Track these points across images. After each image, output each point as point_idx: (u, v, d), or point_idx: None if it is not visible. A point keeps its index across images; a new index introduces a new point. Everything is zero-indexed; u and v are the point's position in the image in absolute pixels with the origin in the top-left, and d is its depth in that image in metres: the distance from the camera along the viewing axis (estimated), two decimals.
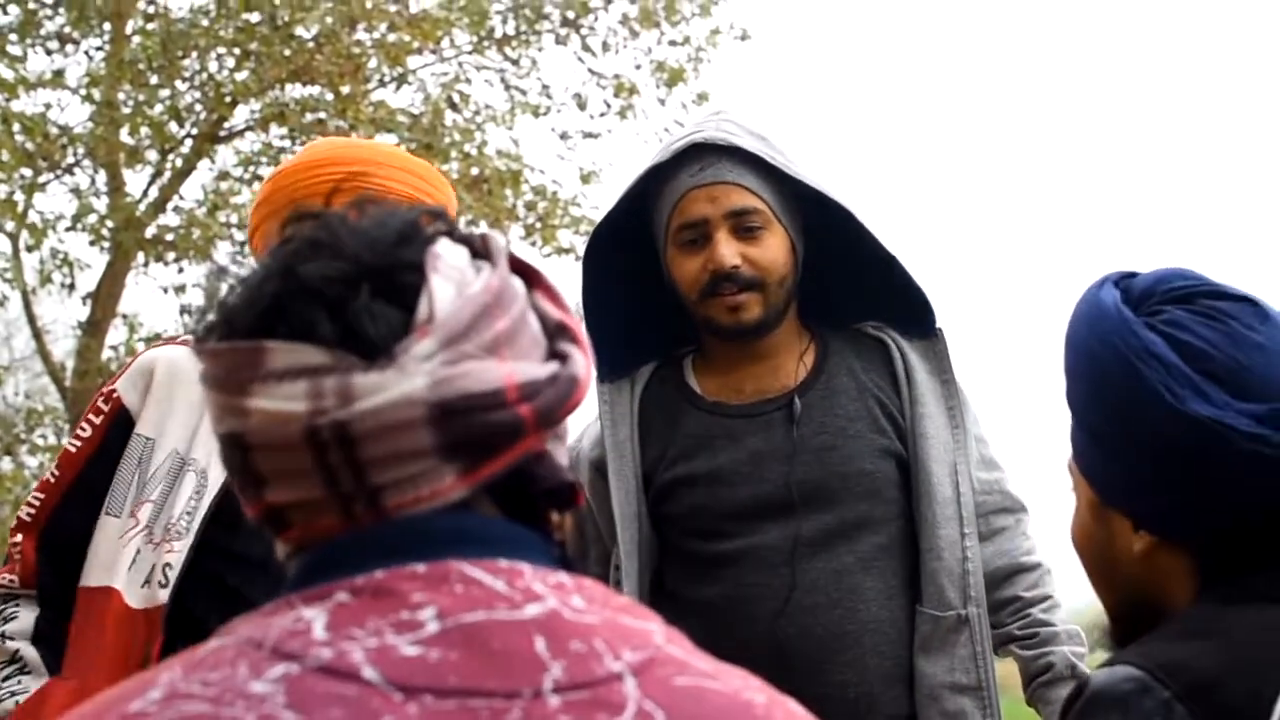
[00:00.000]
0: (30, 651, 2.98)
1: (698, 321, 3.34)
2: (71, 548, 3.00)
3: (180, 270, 13.19)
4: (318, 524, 1.27)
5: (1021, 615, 3.36)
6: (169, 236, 12.80)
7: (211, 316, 1.32)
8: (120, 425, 3.02)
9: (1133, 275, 2.04)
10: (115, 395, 3.04)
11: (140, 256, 12.89)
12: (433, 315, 1.27)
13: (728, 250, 3.22)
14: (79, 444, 3.05)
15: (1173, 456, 1.92)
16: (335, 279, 1.26)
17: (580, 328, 1.36)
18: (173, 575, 2.91)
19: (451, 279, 1.29)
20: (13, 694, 2.95)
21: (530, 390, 1.29)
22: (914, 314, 3.37)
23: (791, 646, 3.16)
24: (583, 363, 1.34)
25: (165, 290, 13.21)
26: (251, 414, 1.26)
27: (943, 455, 3.26)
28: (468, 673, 1.19)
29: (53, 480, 3.05)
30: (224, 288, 1.33)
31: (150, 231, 12.85)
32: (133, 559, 2.94)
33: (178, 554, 2.93)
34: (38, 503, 3.04)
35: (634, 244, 3.38)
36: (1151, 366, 1.93)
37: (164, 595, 2.91)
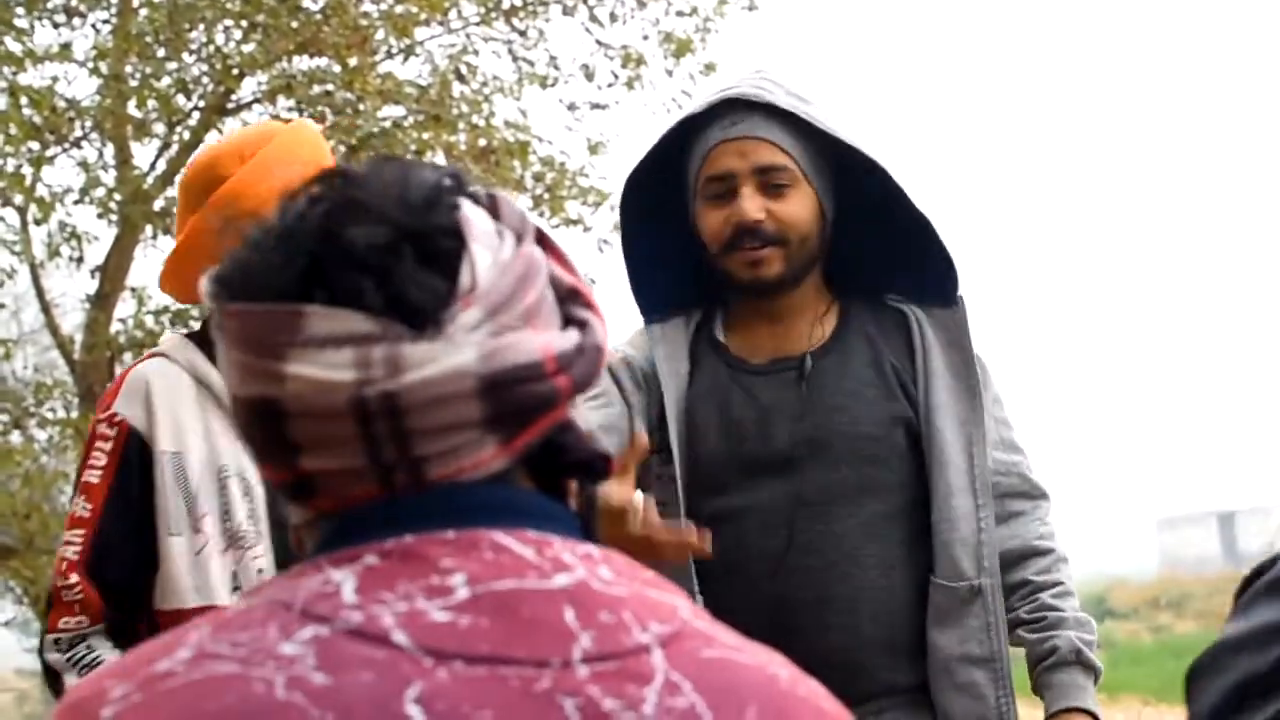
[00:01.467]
0: None
1: (719, 275, 3.34)
2: (125, 574, 2.99)
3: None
4: (352, 492, 1.26)
5: (1031, 599, 3.36)
6: (177, 209, 12.79)
7: (230, 274, 1.30)
8: (134, 445, 3.01)
9: None
10: (119, 418, 3.03)
11: (148, 229, 12.88)
12: (475, 284, 1.26)
13: (752, 204, 3.23)
14: (98, 473, 3.02)
15: None
16: (379, 245, 1.25)
17: (592, 293, 1.35)
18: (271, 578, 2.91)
19: (487, 246, 1.28)
20: None
21: (566, 361, 1.28)
22: (937, 280, 3.37)
23: (784, 608, 3.17)
24: (602, 330, 1.33)
25: None
26: (288, 379, 1.24)
27: (956, 425, 3.26)
28: (498, 640, 1.18)
29: (86, 514, 3.02)
30: (243, 245, 1.31)
31: (158, 204, 12.84)
32: (218, 572, 2.95)
33: (264, 557, 2.96)
34: (79, 539, 3.01)
35: (666, 196, 3.39)
36: None
37: None
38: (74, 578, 3.00)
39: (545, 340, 1.28)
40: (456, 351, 1.24)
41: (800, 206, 3.26)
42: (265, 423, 1.26)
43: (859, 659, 3.17)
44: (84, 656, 2.98)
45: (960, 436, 3.26)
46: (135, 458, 3.00)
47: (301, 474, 1.27)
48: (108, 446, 3.02)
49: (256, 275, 1.27)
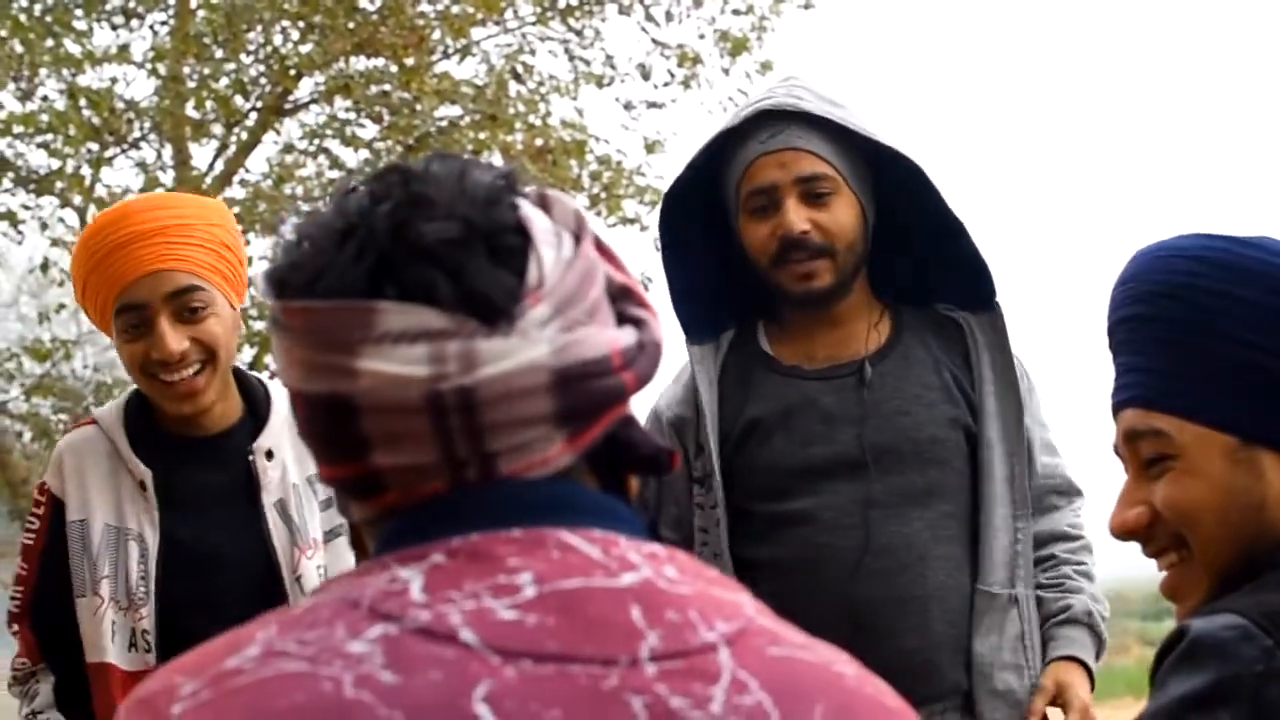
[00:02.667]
0: (53, 716, 3.24)
1: (770, 287, 3.34)
2: (58, 626, 3.23)
3: (246, 243, 13.22)
4: (421, 488, 1.26)
5: (1054, 570, 3.40)
6: (235, 210, 12.82)
7: (290, 270, 1.29)
8: (57, 513, 3.23)
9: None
10: (46, 487, 3.26)
11: None
12: (543, 280, 1.26)
13: (796, 216, 3.23)
14: (32, 537, 3.28)
15: None
16: (451, 240, 1.25)
17: (644, 292, 1.35)
18: (152, 639, 3.15)
19: (549, 243, 1.28)
20: None
21: (630, 356, 1.28)
22: (974, 285, 3.37)
23: (860, 609, 3.18)
24: (659, 328, 1.33)
25: None
26: (361, 375, 1.23)
27: (1000, 434, 3.29)
28: (565, 639, 1.18)
29: (24, 573, 3.29)
30: (295, 242, 1.30)
31: None
32: (112, 631, 3.16)
33: (147, 618, 3.15)
34: (19, 595, 3.30)
35: (709, 208, 3.39)
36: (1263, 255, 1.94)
37: (151, 659, 3.13)
38: (15, 627, 3.30)
39: (610, 336, 1.28)
40: (530, 346, 1.24)
41: (844, 214, 3.27)
42: (334, 419, 1.26)
43: (932, 660, 3.18)
44: (30, 688, 3.29)
45: (1003, 446, 3.28)
46: (58, 524, 3.23)
47: (370, 470, 1.26)
48: (40, 512, 3.27)
49: (322, 272, 1.27)
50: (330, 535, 3.28)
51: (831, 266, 3.27)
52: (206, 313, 3.15)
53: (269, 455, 3.24)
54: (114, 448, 3.22)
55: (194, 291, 3.13)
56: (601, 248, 1.34)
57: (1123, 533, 2.05)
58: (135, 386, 3.29)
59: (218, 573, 3.17)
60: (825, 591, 3.19)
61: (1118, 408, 2.04)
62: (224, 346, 3.18)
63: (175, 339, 3.11)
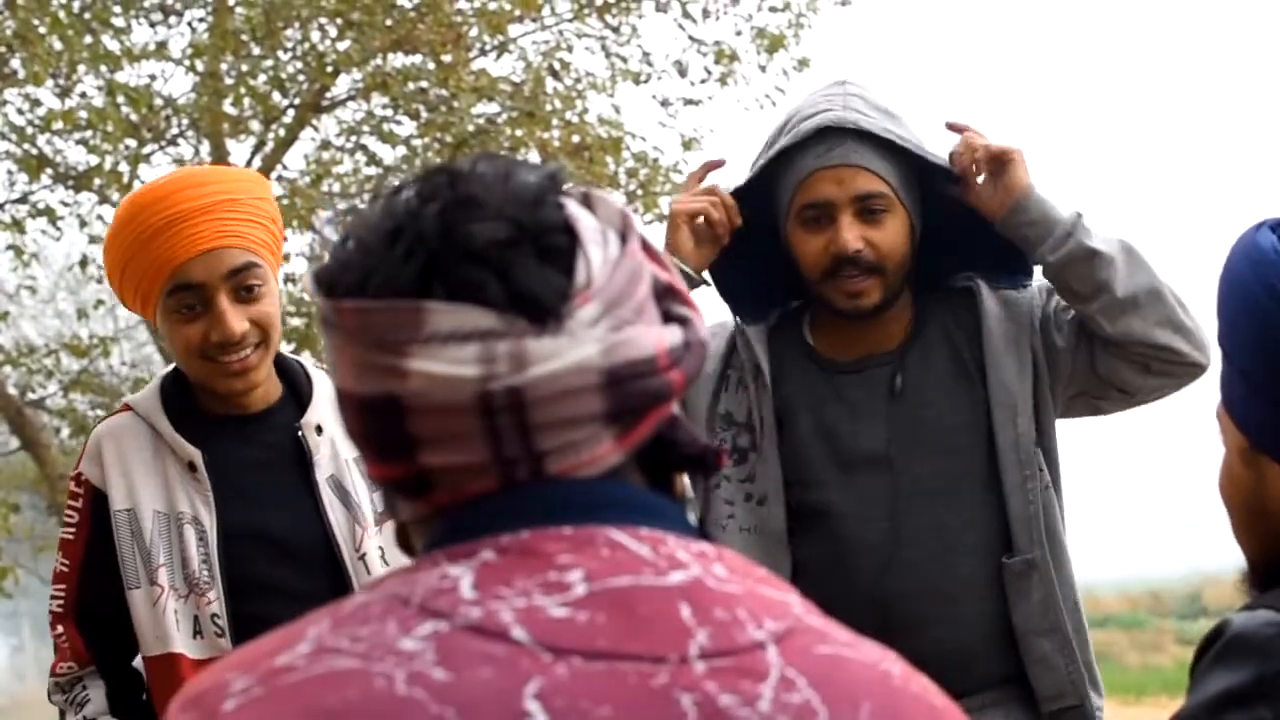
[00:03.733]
0: None
1: (815, 296, 3.37)
2: (107, 623, 3.15)
3: (284, 239, 13.26)
4: (470, 488, 1.26)
5: None
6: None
7: (340, 271, 1.30)
8: (98, 503, 3.13)
9: None
10: (84, 478, 3.16)
11: None
12: (591, 280, 1.26)
13: (851, 235, 3.24)
14: (72, 531, 3.18)
15: None
16: (500, 240, 1.25)
17: (687, 290, 1.35)
18: (223, 623, 3.06)
19: (597, 243, 1.28)
20: None
21: (677, 355, 1.29)
22: (1010, 268, 3.38)
23: (892, 602, 3.21)
24: (703, 325, 1.33)
25: None
26: (411, 376, 1.24)
27: (1007, 398, 3.28)
28: (615, 636, 1.18)
29: (65, 570, 3.19)
30: (343, 242, 1.31)
31: None
32: (175, 620, 3.07)
33: (215, 602, 3.07)
34: (61, 593, 3.19)
35: (749, 200, 3.41)
36: None
37: (226, 644, 3.05)
38: (59, 628, 3.18)
39: (657, 335, 1.28)
40: (580, 346, 1.24)
41: (896, 233, 3.28)
42: (384, 419, 1.27)
43: (967, 648, 3.20)
44: (79, 695, 3.16)
45: (1008, 409, 3.28)
46: (100, 514, 3.13)
47: (419, 470, 1.27)
48: (78, 504, 3.16)
49: (372, 273, 1.27)
50: (383, 516, 3.18)
51: (881, 284, 3.28)
52: (263, 290, 3.09)
53: (318, 430, 3.18)
54: (154, 432, 3.14)
55: (251, 269, 3.07)
56: (646, 246, 1.34)
57: None
58: (165, 371, 3.25)
59: (277, 552, 3.11)
60: (854, 585, 3.21)
61: None
62: (276, 326, 3.13)
63: (237, 319, 3.04)
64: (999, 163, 3.26)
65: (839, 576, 3.21)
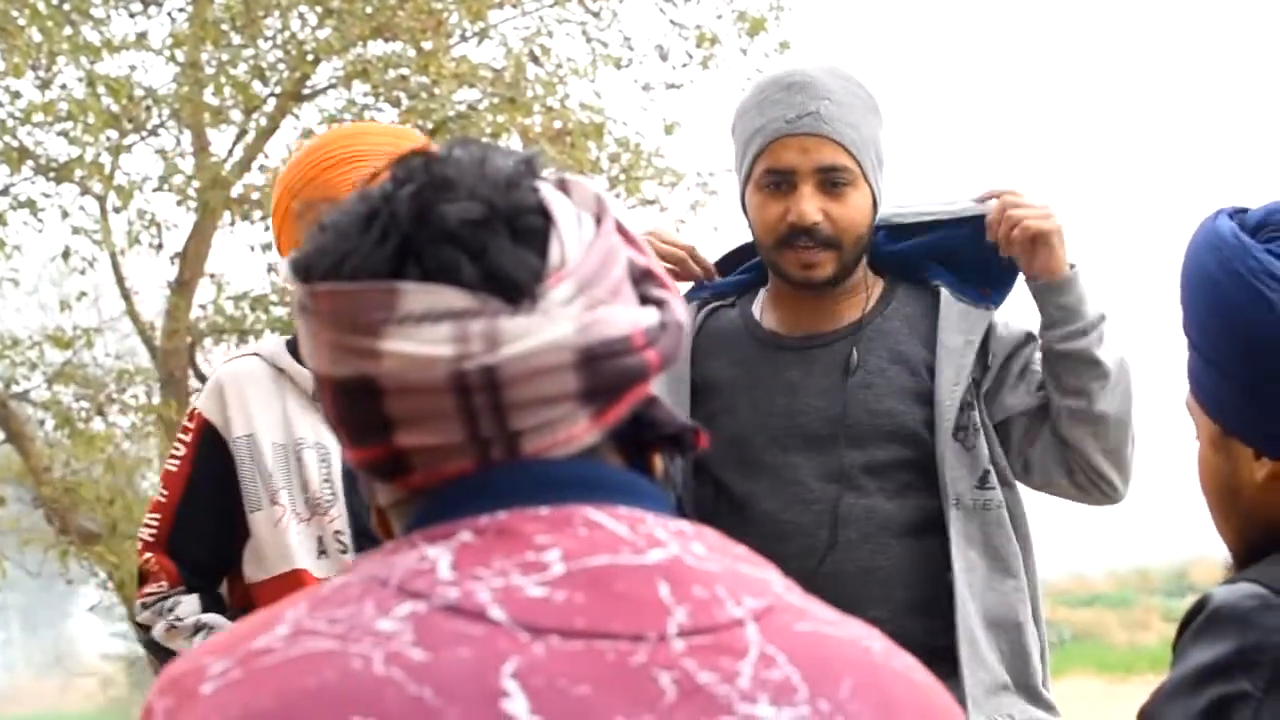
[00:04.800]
0: (212, 617, 3.20)
1: (767, 264, 3.34)
2: (203, 552, 3.25)
3: (267, 228, 13.21)
4: (447, 468, 1.26)
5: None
6: (255, 195, 12.84)
7: (315, 255, 1.30)
8: (209, 438, 3.25)
9: (1244, 210, 2.04)
10: (198, 413, 3.27)
11: (227, 215, 12.93)
12: (565, 260, 1.26)
13: (810, 206, 3.21)
14: (177, 462, 3.28)
15: None
16: (473, 221, 1.25)
17: (665, 273, 1.36)
18: (347, 540, 3.12)
19: (571, 224, 1.28)
20: None
21: (653, 335, 1.29)
22: (981, 281, 3.33)
23: (826, 583, 3.13)
24: (681, 309, 1.34)
25: (252, 248, 13.27)
26: (385, 356, 1.24)
27: (948, 401, 3.24)
28: (593, 615, 1.19)
29: (163, 499, 3.28)
30: (320, 229, 1.31)
31: (236, 190, 12.89)
32: (299, 539, 3.16)
33: (338, 519, 3.16)
34: (155, 522, 3.28)
35: None
36: (1272, 287, 1.94)
37: (349, 559, 3.09)
38: (149, 555, 3.27)
39: (633, 315, 1.29)
40: (553, 325, 1.24)
41: (856, 207, 3.24)
42: (359, 401, 1.27)
43: (902, 629, 3.11)
44: (170, 606, 3.23)
45: (947, 390, 3.25)
46: (209, 446, 3.23)
47: (395, 451, 1.27)
48: (187, 438, 3.27)
49: (346, 256, 1.27)
50: None
51: (836, 258, 3.25)
52: None
53: None
54: (277, 370, 3.23)
55: None
56: (622, 230, 1.35)
57: None
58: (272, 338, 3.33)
59: None
60: (790, 567, 3.18)
61: None
62: None
63: None
64: (1036, 243, 3.20)
65: (776, 559, 3.21)
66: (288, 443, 3.21)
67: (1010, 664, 3.25)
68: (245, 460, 3.20)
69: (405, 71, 12.70)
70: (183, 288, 13.12)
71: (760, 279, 3.44)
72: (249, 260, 13.06)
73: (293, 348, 3.26)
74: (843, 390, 3.26)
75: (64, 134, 12.36)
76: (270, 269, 12.91)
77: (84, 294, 13.69)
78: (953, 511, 3.21)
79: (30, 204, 12.51)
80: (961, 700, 3.14)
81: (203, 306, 13.17)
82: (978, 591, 3.21)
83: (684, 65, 13.90)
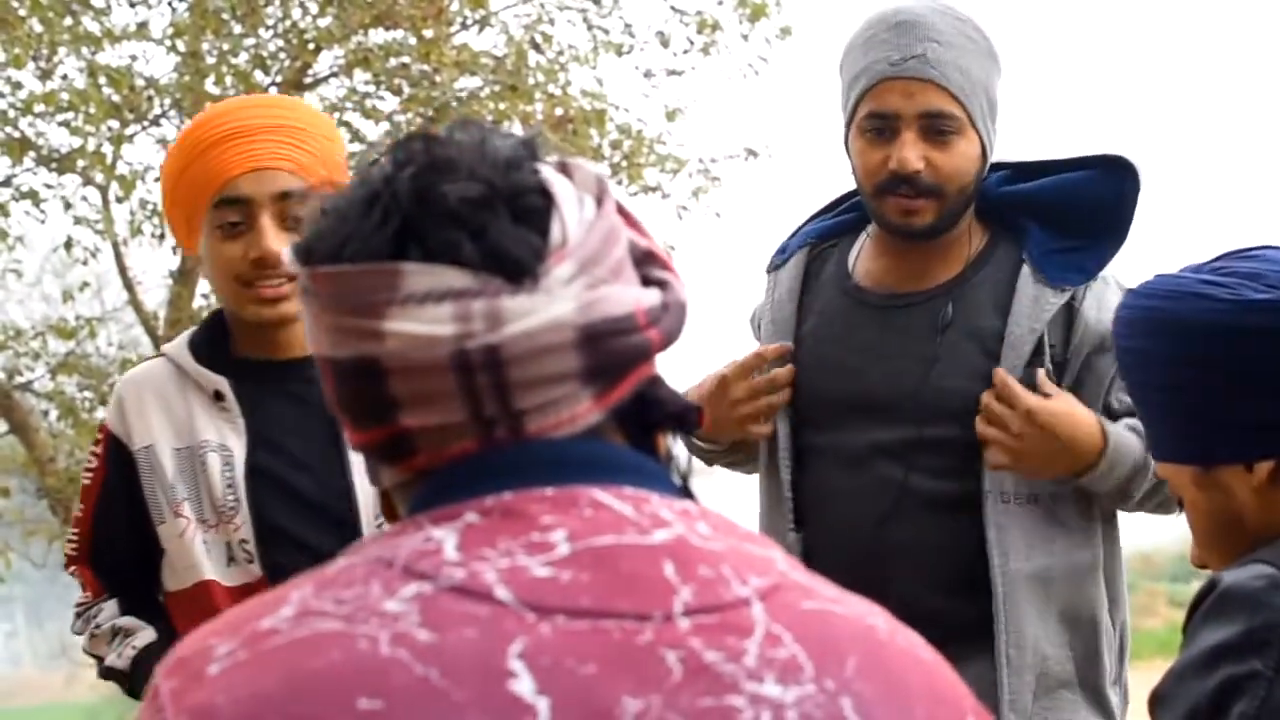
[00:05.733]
0: (127, 620, 3.11)
1: (868, 209, 3.26)
2: (121, 564, 3.15)
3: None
4: (451, 449, 1.27)
5: None
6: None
7: (317, 239, 1.31)
8: (114, 451, 3.11)
9: None
10: (104, 426, 3.14)
11: None
12: (566, 239, 1.27)
13: (913, 153, 3.11)
14: (89, 477, 3.17)
15: (1262, 353, 1.95)
16: (474, 200, 1.25)
17: (668, 255, 1.36)
18: (252, 548, 3.01)
19: (572, 204, 1.29)
20: (134, 646, 3.07)
21: (655, 315, 1.29)
22: (1064, 263, 3.21)
23: (873, 555, 3.13)
24: (683, 289, 1.34)
25: None
26: (388, 337, 1.25)
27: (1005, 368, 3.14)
28: (599, 594, 1.19)
29: (79, 514, 3.20)
30: (322, 213, 1.32)
31: None
32: (205, 549, 3.03)
33: (243, 527, 3.01)
34: (75, 537, 3.21)
35: None
36: (1209, 283, 2.03)
37: (256, 569, 3.00)
38: (73, 569, 3.21)
39: (635, 294, 1.29)
40: (555, 303, 1.24)
41: (962, 155, 3.14)
42: (363, 382, 1.27)
43: (934, 607, 3.05)
44: (93, 614, 3.16)
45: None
46: (115, 459, 3.11)
47: (399, 432, 1.28)
48: (99, 450, 3.15)
49: (347, 238, 1.27)
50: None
51: (937, 207, 3.14)
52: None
53: None
54: (180, 371, 3.10)
55: (301, 198, 2.96)
56: (624, 212, 1.36)
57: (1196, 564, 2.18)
58: (200, 322, 3.21)
59: (299, 505, 3.02)
60: (849, 534, 3.15)
61: None
62: None
63: (277, 240, 2.96)
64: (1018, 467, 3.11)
65: (817, 525, 3.21)
66: (191, 445, 3.06)
67: (1079, 662, 3.19)
68: (146, 473, 3.07)
69: (406, 59, 12.69)
70: (185, 277, 13.11)
71: (865, 218, 3.34)
72: None
73: (195, 348, 3.12)
74: (913, 361, 3.18)
75: (65, 124, 12.35)
76: None
77: (87, 284, 13.68)
78: (989, 501, 3.13)
79: (32, 195, 12.51)
80: (995, 688, 3.10)
81: (205, 296, 13.15)
82: (1032, 578, 3.13)
83: (685, 51, 13.88)
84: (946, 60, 3.11)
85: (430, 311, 1.24)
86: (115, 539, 3.13)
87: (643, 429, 1.33)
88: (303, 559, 2.92)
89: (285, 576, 2.99)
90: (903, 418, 3.16)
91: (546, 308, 1.24)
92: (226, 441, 3.05)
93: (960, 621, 3.09)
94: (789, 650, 1.21)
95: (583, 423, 1.27)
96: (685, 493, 1.33)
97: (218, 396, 3.06)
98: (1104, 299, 3.17)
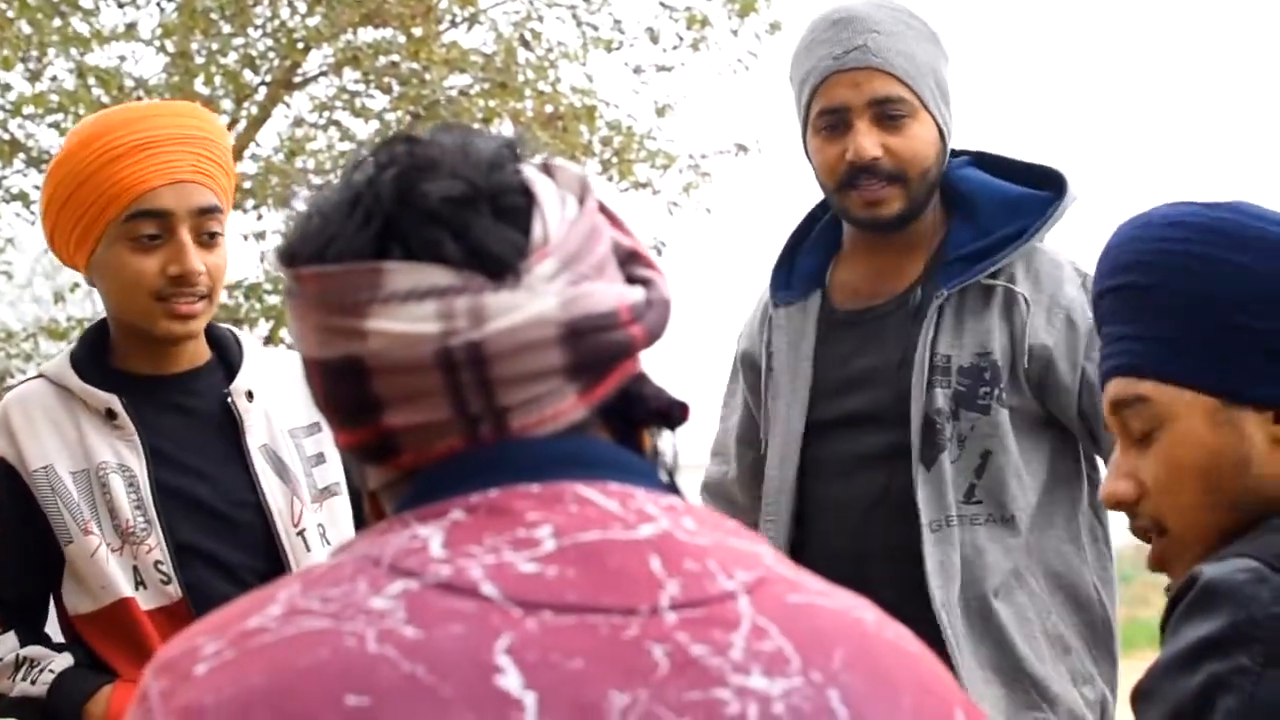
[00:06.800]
0: (33, 649, 2.96)
1: (834, 210, 3.24)
2: (16, 592, 3.00)
3: (259, 217, 13.23)
4: (436, 447, 1.27)
5: None
6: (247, 184, 12.83)
7: (300, 241, 1.31)
8: (3, 475, 2.95)
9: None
10: None
11: None
12: (548, 237, 1.27)
13: (868, 141, 3.10)
14: None
15: None
16: (456, 199, 1.26)
17: (650, 254, 1.37)
18: (169, 569, 2.90)
19: (554, 203, 1.29)
20: (51, 671, 2.93)
21: (638, 311, 1.30)
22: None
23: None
24: (667, 287, 1.34)
25: (245, 238, 13.27)
26: (371, 336, 1.25)
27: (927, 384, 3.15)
28: (585, 590, 1.19)
29: None
30: (306, 216, 1.32)
31: None
32: (119, 569, 2.91)
33: (156, 549, 2.91)
34: None
35: None
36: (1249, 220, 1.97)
37: (174, 590, 2.90)
38: None
39: (618, 291, 1.30)
40: (537, 300, 1.25)
41: (919, 138, 3.14)
42: (347, 382, 1.28)
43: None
44: None
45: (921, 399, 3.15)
46: (4, 484, 2.95)
47: (384, 432, 1.28)
48: None
49: (331, 240, 1.28)
50: (324, 493, 3.04)
51: (902, 194, 3.13)
52: (220, 240, 2.94)
53: (249, 396, 3.00)
54: (65, 391, 2.96)
55: (216, 214, 2.93)
56: (606, 211, 1.36)
57: (1112, 503, 2.05)
58: (76, 339, 3.08)
59: (208, 520, 2.94)
60: (828, 543, 3.16)
61: (1105, 377, 2.05)
62: (222, 283, 2.98)
63: (197, 256, 2.88)
64: None
65: (812, 536, 3.21)
66: (89, 469, 2.93)
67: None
68: (48, 493, 2.92)
69: (396, 58, 12.69)
70: None
71: (833, 245, 3.33)
72: (242, 249, 13.04)
73: (78, 366, 2.99)
74: (884, 367, 3.18)
75: (55, 126, 12.34)
76: (263, 258, 12.89)
77: (77, 286, 13.63)
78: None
79: (22, 196, 12.50)
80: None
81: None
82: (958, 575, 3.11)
83: (675, 47, 13.88)
84: (888, 47, 3.12)
85: (413, 310, 1.24)
86: (7, 569, 2.98)
87: (628, 425, 1.33)
88: (218, 575, 2.90)
89: (203, 594, 2.97)
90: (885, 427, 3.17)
91: (529, 304, 1.25)
92: (125, 461, 2.94)
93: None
94: (775, 643, 1.21)
95: (567, 419, 1.28)
96: (671, 488, 1.33)
97: (110, 415, 2.95)
98: (1039, 270, 3.18)
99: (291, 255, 1.31)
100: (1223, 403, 1.96)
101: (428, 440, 1.27)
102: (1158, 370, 2.00)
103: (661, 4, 13.84)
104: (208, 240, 2.92)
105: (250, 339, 3.12)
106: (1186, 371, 1.98)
